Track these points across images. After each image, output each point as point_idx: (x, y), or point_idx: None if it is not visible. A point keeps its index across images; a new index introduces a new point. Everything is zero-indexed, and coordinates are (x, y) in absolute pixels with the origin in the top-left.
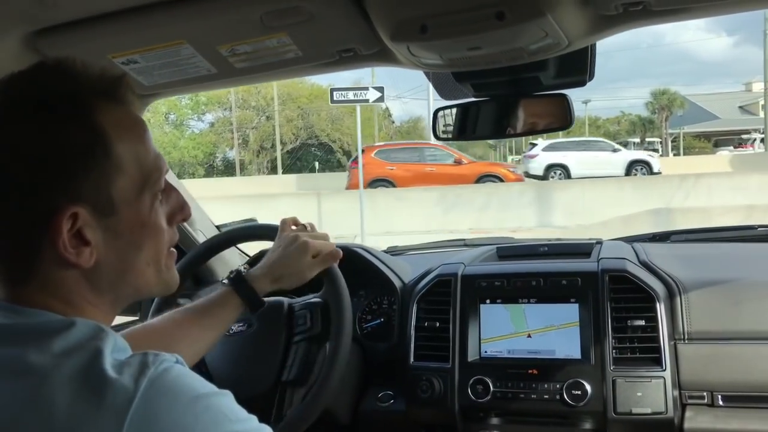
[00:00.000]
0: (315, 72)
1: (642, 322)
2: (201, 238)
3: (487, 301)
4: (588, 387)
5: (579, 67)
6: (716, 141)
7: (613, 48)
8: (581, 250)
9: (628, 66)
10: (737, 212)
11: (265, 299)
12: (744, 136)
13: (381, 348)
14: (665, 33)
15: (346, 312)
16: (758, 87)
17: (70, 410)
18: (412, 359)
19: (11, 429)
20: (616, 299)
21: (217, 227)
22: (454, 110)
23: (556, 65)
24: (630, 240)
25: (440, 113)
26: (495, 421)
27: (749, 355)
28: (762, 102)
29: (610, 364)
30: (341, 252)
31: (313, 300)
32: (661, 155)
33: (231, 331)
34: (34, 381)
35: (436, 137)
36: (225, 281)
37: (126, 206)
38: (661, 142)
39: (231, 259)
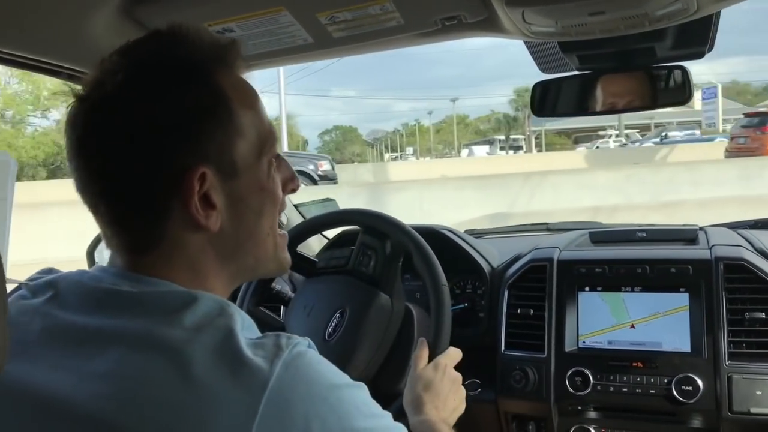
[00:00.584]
0: (413, 43)
1: (762, 315)
2: (283, 218)
3: (586, 288)
4: (700, 383)
5: (700, 36)
6: (576, 137)
7: (485, 47)
8: (684, 236)
9: (499, 65)
10: (582, 214)
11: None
12: (600, 133)
13: (466, 334)
14: None
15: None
16: None
17: (208, 385)
18: (503, 348)
19: (149, 400)
20: (731, 289)
21: (295, 206)
22: (555, 84)
23: (675, 35)
24: (732, 227)
25: (539, 88)
26: (593, 415)
27: None
28: None
29: (725, 359)
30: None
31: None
32: (525, 152)
33: (328, 335)
34: (171, 355)
35: (535, 113)
36: None
37: (247, 170)
38: (524, 139)
39: (309, 240)
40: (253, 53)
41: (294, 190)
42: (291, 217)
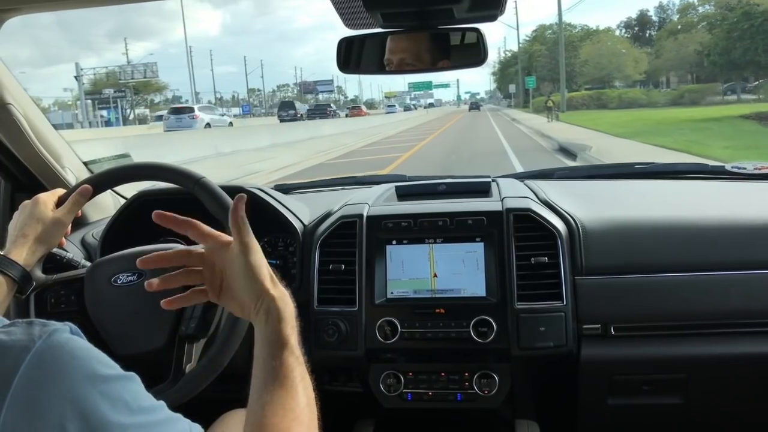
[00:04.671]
0: None
1: (545, 259)
2: (70, 177)
3: (393, 242)
4: (494, 324)
5: (494, 0)
6: None
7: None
8: (479, 188)
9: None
10: None
11: (157, 245)
12: None
13: None
14: None
15: None
16: None
17: None
18: (315, 304)
19: None
20: (520, 237)
21: (85, 164)
22: (359, 41)
23: None
24: (519, 177)
25: (344, 44)
26: (402, 361)
27: (638, 287)
28: None
29: (514, 301)
30: (90, 188)
31: None
32: None
33: (118, 282)
34: None
35: (340, 70)
36: None
37: None
38: None
39: (104, 201)
40: None
41: None
42: (79, 177)
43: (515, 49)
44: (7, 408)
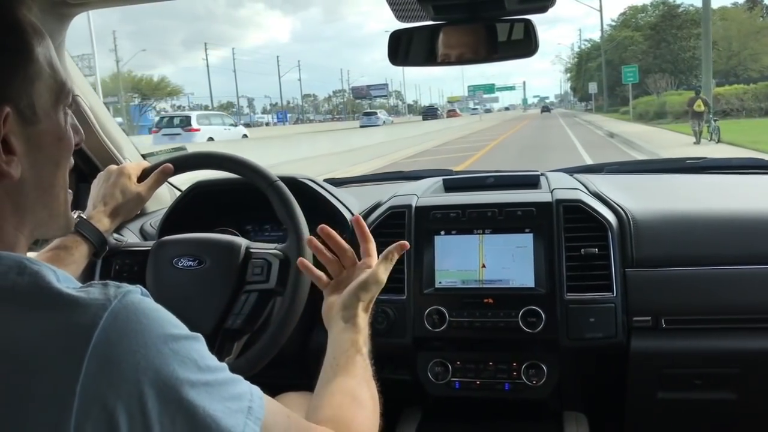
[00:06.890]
0: None
1: (595, 251)
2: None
3: (442, 232)
4: (543, 314)
5: None
6: None
7: None
8: (527, 181)
9: None
10: None
11: (223, 236)
12: None
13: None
14: None
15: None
16: None
17: (19, 352)
18: None
19: None
20: (569, 228)
21: (143, 156)
22: (408, 34)
23: None
24: (568, 171)
25: (393, 37)
26: (450, 349)
27: (690, 280)
28: None
29: (564, 292)
30: (171, 167)
31: (273, 251)
32: None
33: (179, 264)
34: None
35: (391, 62)
36: None
37: (46, 116)
38: None
39: (161, 193)
40: None
41: (78, 144)
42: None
43: (593, 39)
44: (89, 359)
